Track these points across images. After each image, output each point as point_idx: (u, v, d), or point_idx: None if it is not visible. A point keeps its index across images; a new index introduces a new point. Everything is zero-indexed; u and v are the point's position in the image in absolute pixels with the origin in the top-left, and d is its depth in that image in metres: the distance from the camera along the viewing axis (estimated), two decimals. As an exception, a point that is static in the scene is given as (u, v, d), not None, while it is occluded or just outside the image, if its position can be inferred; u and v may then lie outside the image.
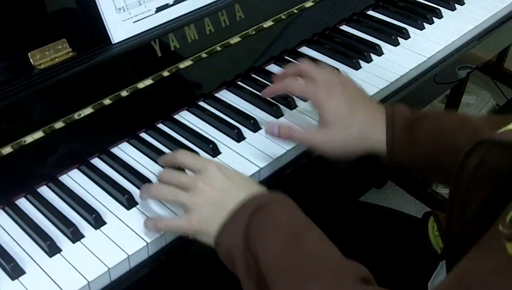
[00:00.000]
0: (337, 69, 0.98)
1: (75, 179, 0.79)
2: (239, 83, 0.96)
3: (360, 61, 1.01)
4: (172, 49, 0.87)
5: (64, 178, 0.79)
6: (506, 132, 0.54)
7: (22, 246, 0.70)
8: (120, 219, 0.73)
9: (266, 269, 0.61)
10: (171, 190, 0.69)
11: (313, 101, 0.79)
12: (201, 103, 0.92)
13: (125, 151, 0.83)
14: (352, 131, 0.76)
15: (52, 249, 0.69)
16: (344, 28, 1.11)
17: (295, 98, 0.91)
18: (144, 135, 0.86)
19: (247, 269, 0.62)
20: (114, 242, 0.70)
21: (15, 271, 0.66)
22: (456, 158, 0.72)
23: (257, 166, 0.80)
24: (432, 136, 0.75)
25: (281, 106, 0.90)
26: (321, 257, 0.61)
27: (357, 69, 1.00)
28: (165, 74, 0.86)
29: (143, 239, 0.70)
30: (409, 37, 1.07)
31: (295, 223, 0.64)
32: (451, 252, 0.61)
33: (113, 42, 0.83)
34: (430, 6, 1.15)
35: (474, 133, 0.73)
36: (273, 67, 1.01)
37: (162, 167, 0.79)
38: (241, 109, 0.91)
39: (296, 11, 1.02)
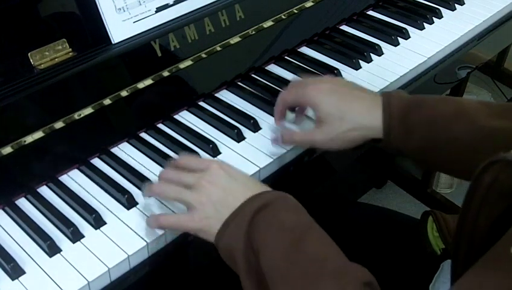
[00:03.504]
0: (337, 69, 0.98)
1: (75, 179, 0.79)
2: (239, 83, 0.96)
3: (360, 61, 1.01)
4: (172, 49, 0.87)
5: (64, 178, 0.79)
6: None
7: (22, 246, 0.70)
8: (120, 219, 0.73)
9: (267, 269, 0.61)
10: (173, 188, 0.69)
11: (305, 103, 0.81)
12: (201, 103, 0.92)
13: (125, 151, 0.83)
14: (347, 124, 0.77)
15: (52, 249, 0.69)
16: (344, 28, 1.11)
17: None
18: (143, 135, 0.86)
19: (248, 267, 0.62)
20: (114, 242, 0.70)
21: (15, 271, 0.66)
22: (451, 149, 0.72)
23: (257, 166, 0.80)
24: (427, 125, 0.75)
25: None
26: (323, 259, 0.61)
27: (357, 69, 1.00)
28: (165, 74, 0.86)
29: (143, 239, 0.70)
30: (409, 37, 1.07)
31: (298, 223, 0.64)
32: (458, 262, 0.61)
33: (113, 42, 0.83)
34: (430, 6, 1.15)
35: (469, 122, 0.74)
36: (273, 67, 1.01)
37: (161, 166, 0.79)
38: (241, 109, 0.91)
39: (296, 11, 1.02)
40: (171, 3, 0.89)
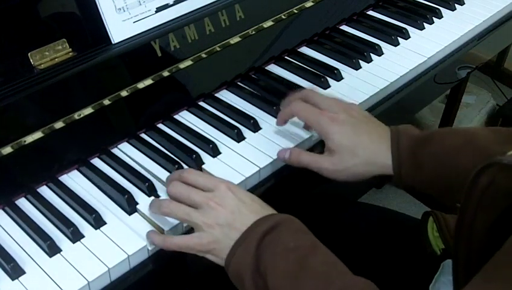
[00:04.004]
0: (337, 69, 0.98)
1: (75, 179, 0.79)
2: (239, 83, 0.96)
3: (360, 61, 1.01)
4: (172, 49, 0.87)
5: (64, 178, 0.79)
6: None
7: (22, 246, 0.70)
8: (120, 219, 0.73)
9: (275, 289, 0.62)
10: (182, 209, 0.68)
11: (317, 130, 0.79)
12: (201, 103, 0.92)
13: (125, 151, 0.83)
14: (358, 158, 0.76)
15: (52, 249, 0.69)
16: (344, 28, 1.11)
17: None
18: (143, 135, 0.86)
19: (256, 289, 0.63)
20: (114, 242, 0.70)
21: (15, 271, 0.66)
22: (462, 181, 0.71)
23: (257, 166, 0.80)
24: (437, 159, 0.74)
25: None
26: (328, 276, 0.61)
27: (357, 69, 1.00)
28: (165, 74, 0.86)
29: (143, 239, 0.70)
30: (409, 37, 1.07)
31: (302, 243, 0.65)
32: (459, 263, 0.61)
33: (113, 42, 0.83)
34: (430, 6, 1.15)
35: (479, 153, 0.73)
36: (273, 67, 1.01)
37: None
38: (241, 109, 0.91)
39: (296, 11, 1.02)
40: (171, 3, 0.89)
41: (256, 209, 0.68)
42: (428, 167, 0.75)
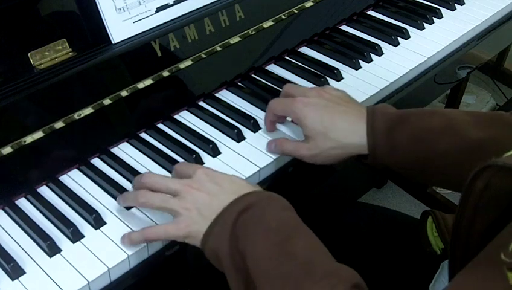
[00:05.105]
0: (337, 69, 0.98)
1: (75, 179, 0.79)
2: (239, 83, 0.96)
3: (360, 61, 1.01)
4: (172, 49, 0.87)
5: (64, 178, 0.79)
6: None
7: (22, 246, 0.70)
8: (120, 219, 0.73)
9: (254, 270, 0.61)
10: (158, 196, 0.68)
11: (292, 118, 0.81)
12: (201, 103, 0.92)
13: (125, 151, 0.83)
14: (331, 142, 0.77)
15: (52, 249, 0.69)
16: (344, 28, 1.11)
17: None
18: (144, 135, 0.86)
19: (234, 268, 0.63)
20: (114, 242, 0.70)
21: (15, 271, 0.66)
22: (439, 164, 0.72)
23: (257, 166, 0.80)
24: (413, 140, 0.74)
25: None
26: (311, 261, 0.60)
27: (357, 69, 1.00)
28: (165, 74, 0.86)
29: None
30: (409, 37, 1.08)
31: (284, 223, 0.64)
32: (456, 265, 0.61)
33: (113, 42, 0.83)
34: (430, 6, 1.15)
35: (457, 135, 0.73)
36: (273, 67, 1.01)
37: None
38: (241, 109, 0.91)
39: (296, 11, 1.02)
40: (171, 3, 0.89)
41: (234, 189, 0.67)
42: (404, 148, 0.75)
